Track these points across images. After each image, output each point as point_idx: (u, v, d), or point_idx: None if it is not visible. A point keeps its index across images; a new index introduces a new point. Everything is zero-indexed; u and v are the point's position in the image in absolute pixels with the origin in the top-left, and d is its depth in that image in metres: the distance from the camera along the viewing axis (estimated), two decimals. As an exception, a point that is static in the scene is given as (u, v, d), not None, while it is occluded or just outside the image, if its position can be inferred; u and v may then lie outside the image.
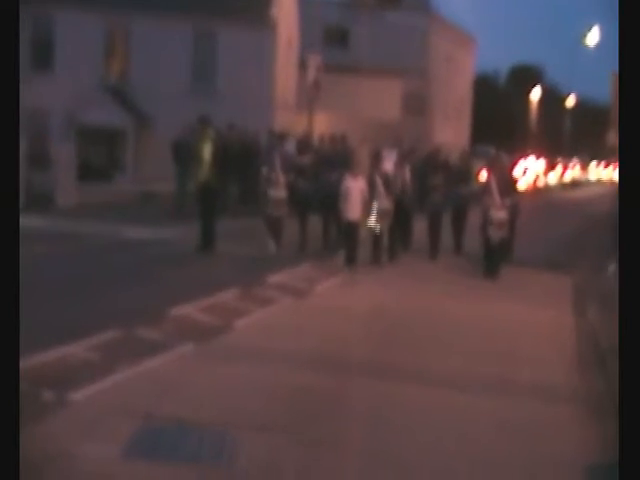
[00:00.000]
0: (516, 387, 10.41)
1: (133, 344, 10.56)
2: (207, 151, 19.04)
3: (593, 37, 69.02)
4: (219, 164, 19.17)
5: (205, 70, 39.70)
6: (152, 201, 28.42)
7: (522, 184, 61.77)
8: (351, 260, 17.96)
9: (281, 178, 19.85)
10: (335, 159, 21.06)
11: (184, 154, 24.42)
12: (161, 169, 29.04)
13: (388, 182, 19.07)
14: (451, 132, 53.76)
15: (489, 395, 9.93)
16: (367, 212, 18.27)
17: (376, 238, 19.04)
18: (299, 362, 10.65)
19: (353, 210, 17.82)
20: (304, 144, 23.85)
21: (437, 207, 21.55)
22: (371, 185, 18.41)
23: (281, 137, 23.64)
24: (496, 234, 18.20)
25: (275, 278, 16.11)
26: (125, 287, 14.86)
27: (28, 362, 9.28)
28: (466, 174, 22.59)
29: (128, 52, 40.39)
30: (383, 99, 48.35)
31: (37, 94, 37.35)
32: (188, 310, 12.87)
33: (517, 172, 53.43)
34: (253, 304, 13.89)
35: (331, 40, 47.95)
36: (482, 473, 7.34)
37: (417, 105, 52.31)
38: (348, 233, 18.21)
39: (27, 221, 21.55)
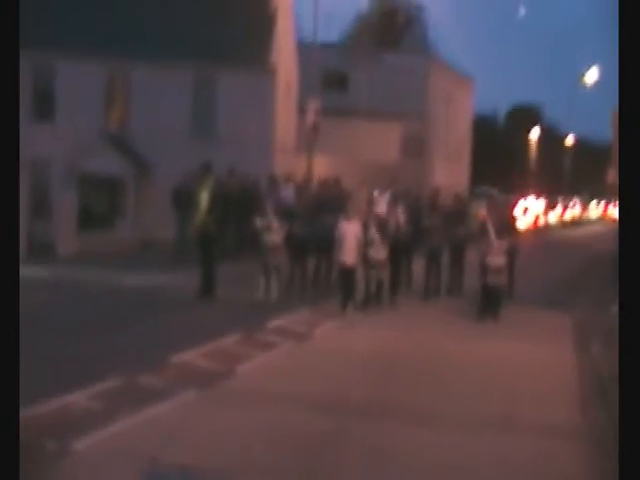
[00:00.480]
0: (518, 425, 10.40)
1: (135, 392, 10.56)
2: (207, 198, 19.03)
3: (592, 76, 69.49)
4: (219, 210, 19.18)
5: (205, 116, 39.84)
6: (152, 248, 28.43)
7: (522, 224, 62.06)
8: (346, 305, 17.65)
9: (275, 223, 19.53)
10: (330, 203, 21.07)
11: (184, 201, 24.51)
12: (161, 216, 29.07)
13: (382, 227, 18.77)
14: (451, 173, 53.78)
15: (491, 434, 9.95)
16: (362, 256, 17.96)
17: (372, 283, 18.67)
18: (301, 405, 10.68)
19: (348, 255, 17.54)
20: (299, 188, 23.86)
21: (435, 249, 21.25)
22: (365, 230, 18.12)
23: (274, 181, 23.72)
24: (494, 280, 17.93)
25: (275, 323, 16.11)
26: (126, 334, 14.85)
27: (30, 411, 9.35)
28: (462, 216, 22.27)
29: (128, 99, 40.55)
30: (382, 142, 48.50)
31: (38, 143, 37.65)
32: (190, 356, 12.89)
33: (517, 212, 53.64)
34: (254, 349, 13.92)
35: (330, 84, 48.12)
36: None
37: (416, 147, 52.44)
38: (343, 278, 17.96)
39: (28, 270, 21.69)
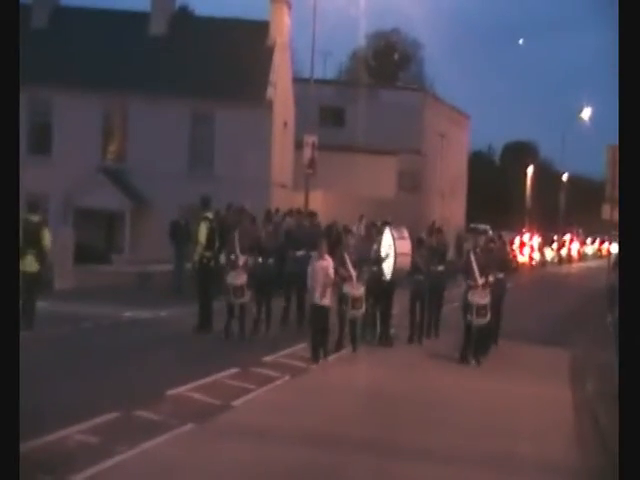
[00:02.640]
0: (516, 463, 10.40)
1: (132, 426, 10.54)
2: (205, 232, 18.93)
3: (587, 113, 69.87)
4: (218, 244, 19.00)
5: (202, 151, 39.95)
6: (149, 282, 28.42)
7: (520, 259, 62.10)
8: (316, 347, 16.08)
9: (241, 260, 18.28)
10: (303, 237, 20.25)
11: (181, 235, 24.55)
12: (158, 250, 29.13)
13: (359, 262, 17.55)
14: (447, 209, 53.96)
15: (489, 471, 9.95)
16: (334, 295, 16.79)
17: (350, 323, 17.65)
18: (297, 438, 10.69)
19: (319, 293, 15.92)
20: (268, 220, 21.33)
21: (419, 286, 19.52)
22: (340, 265, 16.82)
23: (241, 212, 21.73)
24: (476, 321, 16.86)
25: (270, 358, 16.04)
26: (123, 368, 14.81)
27: (28, 445, 9.36)
28: (444, 252, 21.11)
29: (125, 134, 40.68)
30: (378, 177, 48.57)
31: (35, 178, 37.71)
32: (187, 390, 12.86)
33: (511, 249, 53.63)
34: (251, 383, 13.88)
35: (327, 119, 48.32)
36: None
37: (412, 183, 52.52)
38: (314, 318, 16.37)
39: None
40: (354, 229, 21.13)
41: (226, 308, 18.44)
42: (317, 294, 15.89)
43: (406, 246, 18.61)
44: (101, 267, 31.61)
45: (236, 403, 12.43)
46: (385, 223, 19.71)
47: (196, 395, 12.72)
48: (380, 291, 18.57)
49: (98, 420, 10.58)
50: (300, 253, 19.14)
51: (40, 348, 16.76)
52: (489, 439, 11.59)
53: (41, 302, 21.41)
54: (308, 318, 17.05)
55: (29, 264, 20.06)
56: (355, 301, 17.10)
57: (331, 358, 16.86)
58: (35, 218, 20.50)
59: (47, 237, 20.48)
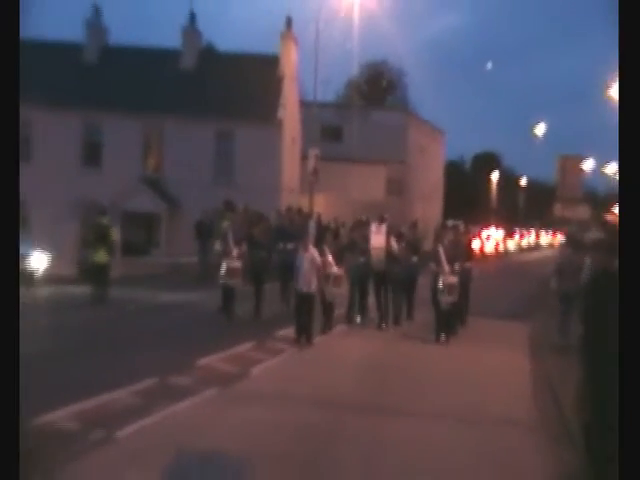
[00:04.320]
0: (482, 415, 10.35)
1: (167, 390, 10.56)
2: (259, 232, 18.86)
3: (541, 128, 69.82)
4: (259, 242, 18.72)
5: (224, 163, 40.01)
6: (181, 271, 28.38)
7: (486, 249, 61.97)
8: (301, 329, 15.16)
9: (234, 249, 17.79)
10: (291, 231, 19.36)
11: (205, 232, 24.48)
12: (187, 245, 29.10)
13: (339, 254, 16.92)
14: (426, 209, 53.87)
15: (460, 422, 9.91)
16: (319, 282, 15.66)
17: (329, 305, 16.77)
18: (302, 400, 10.66)
19: (304, 282, 15.11)
20: (257, 217, 20.69)
21: (397, 275, 18.70)
22: (322, 255, 15.95)
23: (231, 208, 21.13)
24: (445, 301, 16.22)
25: (282, 332, 15.92)
26: (160, 342, 14.83)
27: (86, 405, 9.37)
28: (416, 244, 19.95)
29: (161, 150, 40.74)
30: (370, 183, 48.67)
31: (88, 186, 37.84)
32: (214, 360, 12.88)
33: (477, 240, 53.54)
34: (265, 354, 13.92)
35: (327, 136, 48.12)
36: (455, 470, 7.32)
37: (398, 187, 52.60)
38: (299, 303, 15.36)
39: (80, 290, 21.69)
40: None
41: (221, 290, 17.94)
42: (302, 283, 15.08)
43: (380, 241, 18.11)
44: (142, 259, 31.69)
45: (254, 370, 12.43)
46: (382, 219, 19.00)
47: (220, 364, 12.74)
48: (362, 279, 18.01)
49: (140, 385, 10.62)
50: (290, 246, 18.30)
51: (91, 326, 16.83)
52: (461, 397, 11.55)
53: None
54: (294, 304, 15.97)
55: (100, 257, 20.49)
56: (336, 279, 16.40)
57: (331, 333, 16.70)
58: (104, 220, 20.94)
59: (114, 235, 20.83)
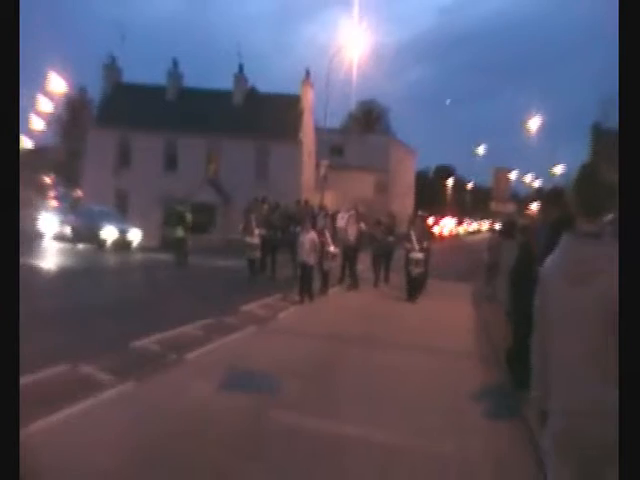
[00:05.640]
0: (439, 349, 10.39)
1: (222, 326, 10.57)
2: (274, 218, 18.54)
3: (481, 149, 69.37)
4: (270, 224, 18.45)
5: (262, 169, 39.90)
6: (232, 245, 28.41)
7: (444, 233, 61.65)
8: (303, 291, 14.23)
9: (255, 230, 17.33)
10: (298, 217, 18.03)
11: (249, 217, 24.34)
12: (236, 227, 29.11)
13: (335, 234, 16.28)
14: (402, 204, 53.67)
15: (426, 352, 9.93)
16: (317, 256, 14.65)
17: (326, 273, 15.89)
18: (317, 335, 10.71)
19: (305, 255, 14.20)
20: (275, 206, 19.87)
21: (377, 251, 18.37)
22: (321, 235, 15.18)
23: (261, 202, 20.00)
24: (415, 270, 15.57)
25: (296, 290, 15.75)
26: (216, 294, 14.89)
27: (166, 335, 9.42)
28: (392, 228, 19.04)
29: (219, 160, 40.68)
30: (362, 185, 48.58)
31: (168, 185, 37.85)
32: (252, 307, 12.89)
33: (437, 226, 53.31)
34: (288, 303, 13.91)
35: (333, 152, 48.06)
36: (419, 389, 7.34)
37: (382, 189, 52.48)
38: (302, 273, 14.42)
39: (162, 257, 21.64)
40: (339, 215, 19.35)
41: (247, 260, 17.42)
42: (304, 256, 14.27)
43: (342, 223, 17.53)
44: (204, 236, 31.71)
45: (280, 315, 12.45)
46: (349, 209, 18.28)
47: (257, 310, 12.76)
48: (346, 254, 17.29)
49: (202, 322, 10.61)
50: (297, 228, 17.20)
51: (170, 280, 16.87)
52: (427, 334, 11.57)
53: (171, 255, 21.53)
54: (298, 272, 15.00)
55: (179, 233, 20.76)
56: (332, 256, 15.83)
57: (330, 292, 16.46)
58: (182, 207, 21.18)
59: (189, 218, 21.00)
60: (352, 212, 18.16)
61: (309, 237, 14.30)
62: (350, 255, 17.24)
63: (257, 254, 17.39)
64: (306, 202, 21.18)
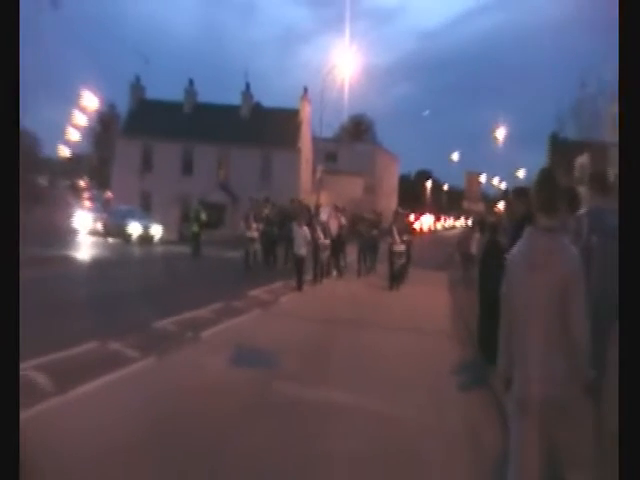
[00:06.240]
0: (421, 329, 10.36)
1: (229, 309, 10.51)
2: (271, 214, 18.32)
3: (455, 155, 69.30)
4: (274, 221, 18.24)
5: (266, 174, 39.78)
6: (240, 239, 28.23)
7: (423, 228, 61.52)
8: (300, 284, 13.74)
9: (254, 225, 16.84)
10: (293, 213, 17.30)
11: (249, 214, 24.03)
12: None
13: (324, 228, 15.74)
14: (387, 203, 53.59)
15: (410, 331, 9.94)
16: (308, 248, 14.23)
17: (320, 263, 15.43)
18: (312, 317, 10.67)
19: (298, 248, 13.87)
20: (272, 204, 19.23)
21: (363, 243, 18.08)
22: (313, 229, 14.86)
23: (264, 201, 19.24)
24: (397, 262, 15.17)
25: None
26: (225, 281, 14.84)
27: (179, 318, 9.38)
28: (377, 224, 18.90)
29: (228, 166, 40.53)
30: (353, 187, 48.34)
31: (185, 187, 37.71)
32: (258, 292, 12.83)
33: (417, 223, 53.17)
34: (288, 290, 13.83)
35: (328, 158, 47.78)
36: (401, 364, 7.33)
37: (370, 190, 52.33)
38: (296, 264, 13.95)
39: (180, 249, 21.51)
40: (322, 210, 18.73)
41: (244, 252, 16.84)
42: (298, 248, 13.89)
43: (324, 218, 16.93)
44: (216, 231, 31.51)
45: (282, 299, 12.38)
46: (334, 207, 17.94)
47: (262, 295, 12.68)
48: (334, 246, 16.62)
49: (212, 307, 10.55)
50: (292, 224, 16.99)
51: (183, 269, 16.79)
52: (408, 316, 11.52)
53: (187, 247, 21.43)
54: (293, 262, 14.51)
55: (195, 228, 20.70)
56: (324, 248, 15.42)
57: (324, 281, 16.13)
58: (198, 206, 21.69)
59: (203, 215, 20.98)
60: (330, 208, 17.68)
61: (302, 232, 13.95)
62: (335, 247, 16.68)
63: (256, 246, 16.95)
64: (300, 201, 20.65)
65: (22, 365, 6.09)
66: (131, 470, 3.99)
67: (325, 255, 15.57)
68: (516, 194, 6.00)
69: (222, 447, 4.45)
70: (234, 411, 5.27)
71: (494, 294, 3.84)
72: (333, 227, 16.75)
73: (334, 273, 17.08)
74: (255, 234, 16.83)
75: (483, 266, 7.80)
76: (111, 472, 3.93)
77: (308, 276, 14.74)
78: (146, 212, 33.22)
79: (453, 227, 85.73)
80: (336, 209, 17.73)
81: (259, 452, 4.38)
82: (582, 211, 3.26)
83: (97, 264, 17.78)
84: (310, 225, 15.00)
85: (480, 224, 15.30)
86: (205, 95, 43.47)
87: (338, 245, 16.96)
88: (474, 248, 15.23)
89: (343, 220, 17.58)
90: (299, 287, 13.56)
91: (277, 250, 18.18)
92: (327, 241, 15.56)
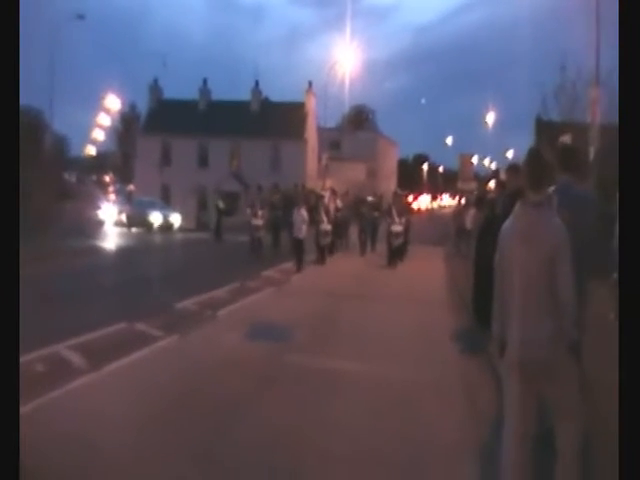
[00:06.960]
0: (420, 300, 10.24)
1: (245, 289, 10.50)
2: (276, 200, 18.06)
3: (449, 139, 68.59)
4: (282, 207, 17.71)
5: (275, 163, 39.68)
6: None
7: (421, 207, 61.14)
8: (299, 262, 13.32)
9: (259, 211, 16.19)
10: (295, 198, 16.54)
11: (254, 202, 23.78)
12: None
13: (327, 212, 15.22)
14: (387, 185, 53.21)
15: (410, 302, 9.85)
16: (307, 232, 13.72)
17: (321, 247, 14.89)
18: (320, 293, 10.65)
19: (299, 231, 13.41)
20: (276, 189, 18.37)
21: (364, 224, 17.77)
22: (316, 213, 14.32)
23: (261, 189, 18.16)
24: (395, 241, 14.68)
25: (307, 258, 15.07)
26: (240, 262, 14.80)
27: (202, 297, 9.38)
28: (378, 205, 18.58)
29: (240, 157, 40.41)
30: (356, 172, 48.15)
31: (201, 178, 37.64)
32: (270, 272, 12.79)
33: (415, 202, 52.87)
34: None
35: (332, 146, 47.47)
36: (402, 332, 7.30)
37: (372, 174, 52.08)
38: (296, 246, 13.50)
39: (197, 235, 21.50)
40: (324, 194, 18.05)
41: (249, 238, 16.18)
42: (297, 232, 13.40)
43: (326, 201, 16.25)
44: (230, 218, 31.34)
45: (293, 278, 12.34)
46: (331, 191, 17.59)
47: (275, 274, 12.66)
48: (337, 227, 16.41)
49: (228, 287, 10.51)
50: (293, 207, 16.01)
51: (201, 253, 16.75)
52: (407, 288, 11.47)
53: (203, 233, 21.41)
54: (292, 245, 14.07)
55: (213, 215, 20.78)
56: (326, 233, 14.87)
57: (328, 261, 15.85)
58: (215, 195, 22.21)
59: (220, 204, 21.36)
60: (329, 192, 17.33)
61: (300, 215, 13.50)
62: (334, 229, 16.05)
63: (261, 233, 16.20)
64: (303, 186, 20.22)
65: (60, 345, 6.16)
66: (160, 435, 4.04)
67: (326, 240, 15.06)
68: (510, 170, 5.92)
69: (241, 414, 4.46)
70: (250, 381, 5.27)
71: (488, 264, 3.80)
72: (331, 209, 16.27)
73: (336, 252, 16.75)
74: (260, 222, 16.14)
75: (479, 239, 7.70)
76: (144, 438, 3.97)
77: (311, 256, 14.49)
78: (166, 203, 33.26)
79: (449, 206, 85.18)
80: (333, 192, 17.47)
81: (275, 417, 4.38)
82: (551, 188, 3.22)
83: (124, 252, 17.92)
84: (316, 208, 14.66)
85: (478, 200, 15.21)
86: (218, 93, 43.05)
87: (338, 226, 16.67)
88: (469, 223, 15.09)
89: (339, 203, 17.44)
90: (298, 269, 13.11)
91: (281, 234, 17.82)
92: (329, 227, 15.00)
